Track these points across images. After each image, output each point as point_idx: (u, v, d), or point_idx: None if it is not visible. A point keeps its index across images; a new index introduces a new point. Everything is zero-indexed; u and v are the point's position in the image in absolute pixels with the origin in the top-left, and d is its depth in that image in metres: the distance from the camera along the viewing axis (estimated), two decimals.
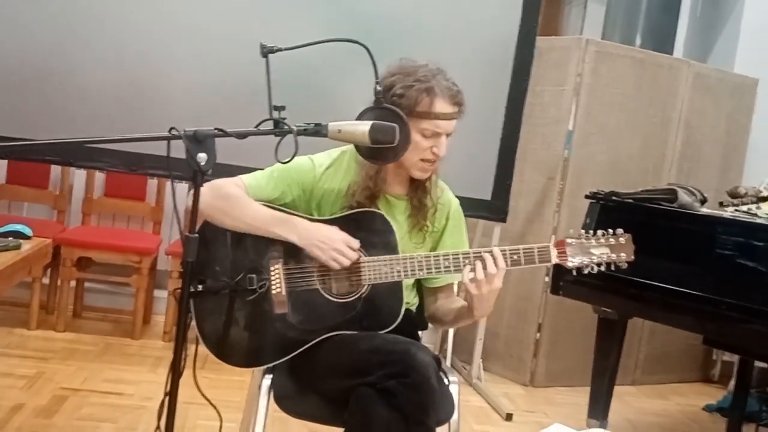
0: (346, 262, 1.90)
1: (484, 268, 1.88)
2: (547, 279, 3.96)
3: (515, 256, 1.93)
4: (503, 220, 3.65)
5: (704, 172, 4.41)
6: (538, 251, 1.93)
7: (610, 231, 1.98)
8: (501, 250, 1.92)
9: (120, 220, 4.52)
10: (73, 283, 4.12)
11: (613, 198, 3.09)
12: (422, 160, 1.97)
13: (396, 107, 1.82)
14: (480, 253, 1.92)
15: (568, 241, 1.96)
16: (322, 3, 3.29)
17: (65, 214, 4.32)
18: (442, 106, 1.92)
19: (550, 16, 5.11)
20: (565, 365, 4.15)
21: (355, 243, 1.93)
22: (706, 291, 2.70)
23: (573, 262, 1.95)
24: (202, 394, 1.88)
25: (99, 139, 1.67)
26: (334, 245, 1.90)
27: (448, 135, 1.97)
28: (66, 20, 3.11)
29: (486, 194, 3.56)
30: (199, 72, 3.20)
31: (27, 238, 2.20)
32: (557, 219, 4.05)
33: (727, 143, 4.50)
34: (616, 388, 3.23)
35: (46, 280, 4.12)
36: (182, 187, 2.28)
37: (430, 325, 2.25)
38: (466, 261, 1.92)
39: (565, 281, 3.03)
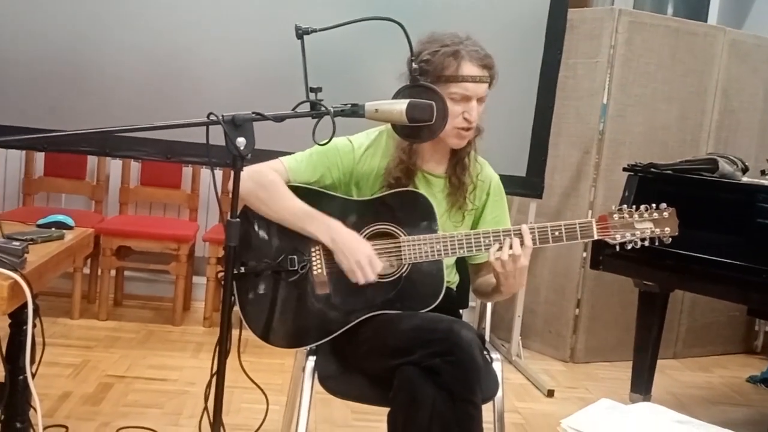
0: (362, 281, 1.89)
1: (510, 247, 1.88)
2: (584, 254, 3.94)
3: (556, 233, 1.91)
4: (539, 197, 3.62)
5: (743, 141, 4.33)
6: (580, 227, 1.91)
7: (653, 205, 1.95)
8: (542, 227, 1.91)
9: (156, 208, 4.56)
10: (113, 272, 4.17)
11: (652, 170, 3.05)
12: (456, 127, 1.94)
13: (423, 74, 1.81)
14: (514, 230, 1.91)
15: (611, 216, 1.94)
16: None
17: (103, 204, 4.37)
18: (469, 68, 1.90)
19: None
20: (605, 340, 4.12)
21: (378, 265, 1.91)
22: (750, 261, 2.66)
23: (616, 237, 1.93)
24: (248, 377, 1.90)
25: (137, 127, 1.67)
26: (357, 258, 1.89)
27: (479, 100, 1.94)
28: (97, 9, 3.13)
29: (521, 171, 3.52)
30: (231, 57, 3.20)
31: (69, 228, 2.22)
32: (594, 194, 4.00)
33: (765, 110, 4.40)
34: (658, 362, 3.21)
35: (86, 270, 4.18)
36: (217, 174, 2.29)
37: (470, 303, 2.25)
38: (507, 237, 1.91)
39: (605, 256, 3.00)
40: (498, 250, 1.89)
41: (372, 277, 1.90)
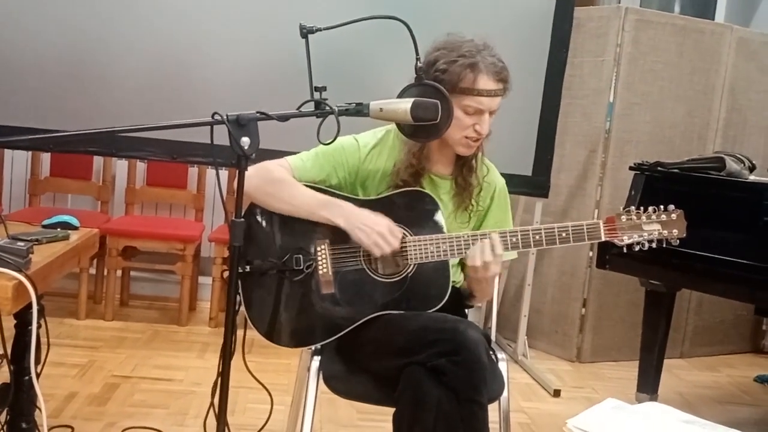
0: (387, 249, 1.89)
1: (481, 253, 1.88)
2: (591, 254, 3.92)
3: (564, 234, 1.91)
4: (545, 196, 3.61)
5: (750, 139, 4.31)
6: (588, 228, 1.91)
7: (662, 207, 1.94)
8: (549, 228, 1.91)
9: (162, 208, 4.57)
10: (119, 273, 4.18)
11: (659, 169, 3.04)
12: (466, 137, 1.94)
13: (439, 83, 1.79)
14: (515, 232, 1.93)
15: (618, 217, 1.93)
16: None
17: (109, 204, 4.37)
18: (485, 82, 1.88)
19: None
20: (612, 340, 4.11)
21: (399, 232, 1.91)
22: (757, 259, 2.65)
23: (624, 239, 1.92)
24: (254, 377, 1.89)
25: (143, 127, 1.67)
26: (377, 228, 1.88)
27: (491, 113, 1.93)
28: (101, 9, 3.12)
29: (527, 170, 3.51)
30: (236, 56, 3.19)
31: (74, 228, 2.21)
32: (600, 193, 3.99)
33: None
34: (665, 361, 3.20)
35: (92, 271, 4.19)
36: (223, 174, 2.28)
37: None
38: (513, 239, 1.91)
39: (612, 255, 2.99)
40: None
41: (396, 245, 1.89)
